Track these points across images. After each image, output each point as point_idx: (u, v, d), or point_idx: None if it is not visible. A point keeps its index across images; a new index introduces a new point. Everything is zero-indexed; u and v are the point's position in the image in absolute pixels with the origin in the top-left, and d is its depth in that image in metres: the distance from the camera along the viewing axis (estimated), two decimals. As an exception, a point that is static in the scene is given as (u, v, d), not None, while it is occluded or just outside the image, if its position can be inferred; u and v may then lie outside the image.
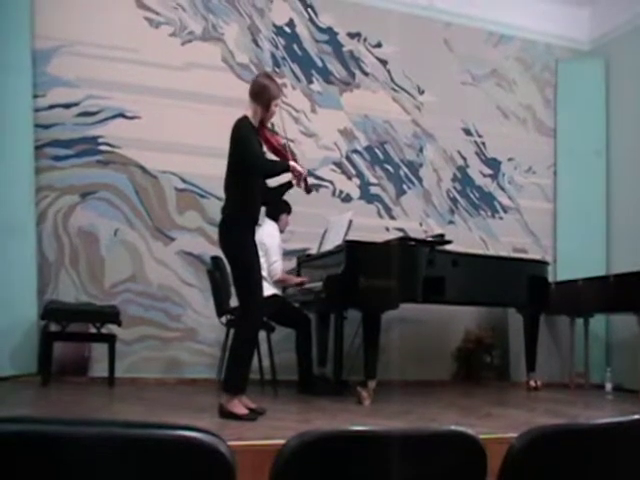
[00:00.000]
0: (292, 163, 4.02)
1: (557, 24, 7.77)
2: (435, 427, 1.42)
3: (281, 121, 4.21)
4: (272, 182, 4.38)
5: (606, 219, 7.46)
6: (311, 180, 4.56)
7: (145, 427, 1.02)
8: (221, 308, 5.38)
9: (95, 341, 5.59)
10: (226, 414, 3.73)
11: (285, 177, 4.23)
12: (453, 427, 1.31)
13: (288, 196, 4.85)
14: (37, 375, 5.30)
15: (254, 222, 4.04)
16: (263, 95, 3.99)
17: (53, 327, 5.33)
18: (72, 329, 5.34)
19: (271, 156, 4.17)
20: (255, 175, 3.98)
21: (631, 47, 7.33)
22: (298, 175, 4.04)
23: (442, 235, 5.46)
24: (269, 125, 4.16)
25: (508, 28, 7.67)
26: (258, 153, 3.94)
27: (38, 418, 0.97)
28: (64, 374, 5.51)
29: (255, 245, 3.98)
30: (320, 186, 4.35)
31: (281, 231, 5.67)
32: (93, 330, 5.46)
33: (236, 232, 3.93)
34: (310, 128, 6.76)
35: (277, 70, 6.68)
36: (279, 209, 5.63)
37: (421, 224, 7.10)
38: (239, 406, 3.77)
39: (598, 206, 7.50)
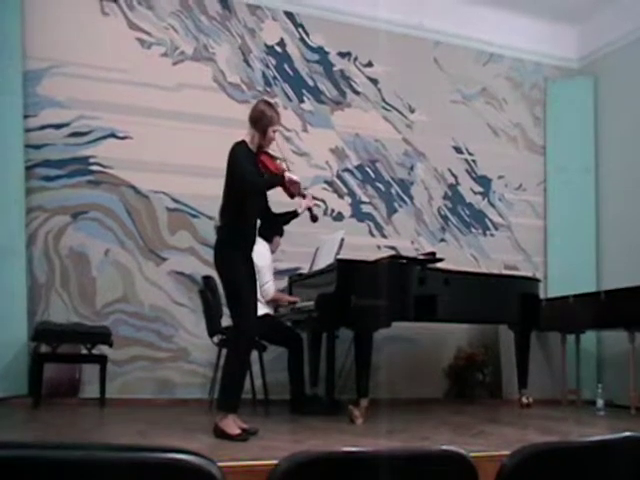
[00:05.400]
0: (287, 174, 4.06)
1: (546, 43, 7.84)
2: (427, 447, 1.41)
3: (279, 149, 4.28)
4: (276, 209, 4.46)
5: (596, 235, 7.50)
6: (316, 210, 4.64)
7: (136, 450, 1.02)
8: (213, 328, 5.36)
9: (86, 362, 5.55)
10: (219, 433, 3.74)
11: (290, 206, 4.38)
12: (445, 447, 1.31)
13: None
14: (28, 397, 5.26)
15: (249, 243, 4.07)
16: (261, 121, 4.03)
17: (44, 348, 5.30)
18: (63, 350, 5.31)
19: None
20: (249, 195, 4.01)
21: (619, 65, 7.40)
22: (294, 186, 4.09)
23: (433, 253, 5.46)
24: (269, 151, 4.19)
25: (497, 47, 7.73)
26: (250, 170, 3.95)
27: (28, 443, 0.96)
28: (55, 396, 5.46)
29: (250, 266, 4.03)
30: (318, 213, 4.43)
31: (272, 252, 5.66)
32: (84, 351, 5.43)
33: (229, 253, 3.97)
34: (301, 147, 6.78)
35: (268, 90, 6.72)
36: (273, 231, 5.63)
37: (412, 242, 7.12)
38: (232, 425, 3.77)
39: (588, 222, 7.54)
